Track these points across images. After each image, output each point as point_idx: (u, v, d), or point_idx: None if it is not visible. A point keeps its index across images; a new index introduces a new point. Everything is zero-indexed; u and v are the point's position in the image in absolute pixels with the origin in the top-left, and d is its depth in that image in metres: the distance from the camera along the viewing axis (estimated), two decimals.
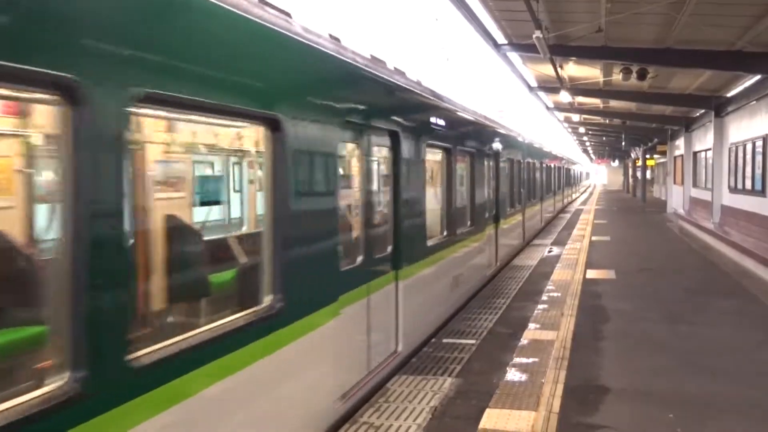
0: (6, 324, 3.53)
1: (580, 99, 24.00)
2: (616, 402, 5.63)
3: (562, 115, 33.35)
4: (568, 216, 28.97)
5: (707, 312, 9.17)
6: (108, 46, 2.82)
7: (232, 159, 5.95)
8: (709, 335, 7.91)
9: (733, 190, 18.31)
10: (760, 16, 11.00)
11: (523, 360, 6.74)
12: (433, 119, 8.11)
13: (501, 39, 15.11)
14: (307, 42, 4.70)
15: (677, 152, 29.72)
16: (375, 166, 6.27)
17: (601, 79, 18.91)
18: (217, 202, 6.08)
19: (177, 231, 4.43)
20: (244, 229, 6.00)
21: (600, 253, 15.25)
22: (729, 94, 18.95)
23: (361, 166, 5.84)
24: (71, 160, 2.62)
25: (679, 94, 20.19)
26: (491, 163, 12.17)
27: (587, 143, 57.05)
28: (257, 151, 4.52)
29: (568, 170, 37.55)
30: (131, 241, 2.97)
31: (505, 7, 12.58)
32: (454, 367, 6.53)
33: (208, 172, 6.05)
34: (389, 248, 6.43)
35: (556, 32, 13.36)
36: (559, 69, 16.57)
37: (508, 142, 14.09)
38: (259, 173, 4.58)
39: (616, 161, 67.74)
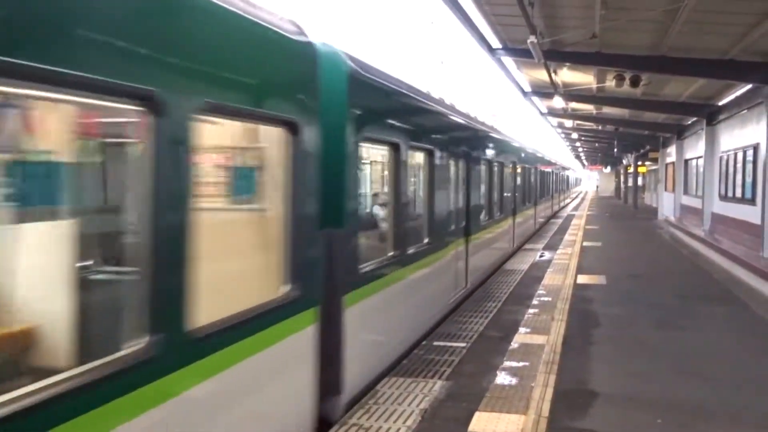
0: None
1: (574, 105, 24.10)
2: (605, 406, 5.64)
3: (555, 121, 33.49)
4: (559, 221, 29.07)
5: (697, 318, 9.21)
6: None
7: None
8: (699, 341, 7.94)
9: (724, 198, 18.44)
10: (753, 25, 11.09)
11: (514, 363, 6.74)
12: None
13: (496, 43, 15.17)
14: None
15: (669, 159, 29.90)
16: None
17: (595, 86, 19.00)
18: None
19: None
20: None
21: (591, 259, 15.29)
22: (721, 103, 19.09)
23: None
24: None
25: (671, 101, 20.32)
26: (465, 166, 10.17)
27: (580, 149, 57.30)
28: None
29: (559, 176, 37.45)
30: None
31: (501, 12, 12.62)
32: (445, 370, 6.53)
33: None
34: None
35: (550, 38, 13.42)
36: (553, 74, 16.64)
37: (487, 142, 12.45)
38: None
39: (609, 167, 68.07)
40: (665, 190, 30.60)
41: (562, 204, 41.41)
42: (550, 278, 12.29)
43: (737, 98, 17.26)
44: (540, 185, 24.11)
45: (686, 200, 25.10)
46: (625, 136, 34.01)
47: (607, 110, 25.33)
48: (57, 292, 3.31)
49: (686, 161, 25.46)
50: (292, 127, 4.32)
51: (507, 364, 6.72)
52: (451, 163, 9.21)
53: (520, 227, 17.01)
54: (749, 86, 15.49)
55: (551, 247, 17.94)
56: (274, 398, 4.21)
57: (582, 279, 12.26)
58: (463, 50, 42.79)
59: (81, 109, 3.34)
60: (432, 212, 8.08)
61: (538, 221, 22.93)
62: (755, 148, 15.17)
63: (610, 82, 16.63)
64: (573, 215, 33.32)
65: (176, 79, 3.13)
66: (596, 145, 47.22)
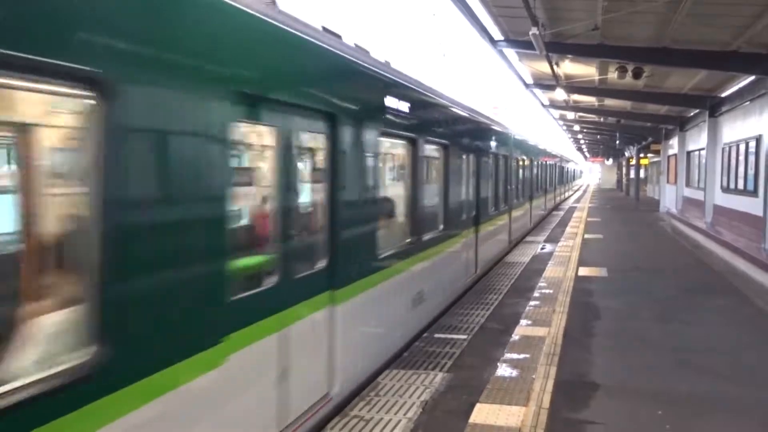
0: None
1: (576, 97, 24.02)
2: (605, 398, 5.66)
3: (557, 113, 33.39)
4: (561, 213, 29.05)
5: (698, 311, 9.22)
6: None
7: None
8: (700, 334, 7.95)
9: (726, 189, 18.40)
10: (756, 16, 11.03)
11: (514, 356, 6.76)
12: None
13: (498, 35, 15.11)
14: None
15: (671, 151, 29.81)
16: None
17: (597, 78, 18.94)
18: None
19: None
20: None
21: (592, 251, 15.29)
22: (723, 94, 19.01)
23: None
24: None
25: (673, 93, 20.25)
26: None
27: (582, 141, 57.18)
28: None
29: (561, 168, 37.41)
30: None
31: (503, 3, 12.57)
32: (446, 362, 6.55)
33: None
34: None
35: (552, 29, 13.37)
36: (555, 66, 16.58)
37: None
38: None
39: (611, 160, 67.92)
40: (667, 182, 30.53)
41: (564, 196, 41.32)
42: (551, 271, 12.30)
43: (740, 90, 17.19)
44: (548, 176, 27.25)
45: (688, 192, 25.05)
46: (627, 128, 33.90)
47: (609, 102, 25.24)
48: None
49: (688, 153, 25.39)
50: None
51: (508, 356, 6.74)
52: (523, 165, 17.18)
53: (536, 210, 22.38)
54: (752, 78, 15.42)
55: (552, 239, 17.94)
56: (469, 258, 10.57)
57: (583, 271, 12.27)
58: (465, 42, 42.62)
59: None
60: (510, 191, 15.02)
61: (548, 206, 28.22)
62: (758, 139, 15.12)
63: (612, 74, 16.58)
64: (575, 207, 33.29)
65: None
66: (598, 137, 47.10)
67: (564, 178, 40.37)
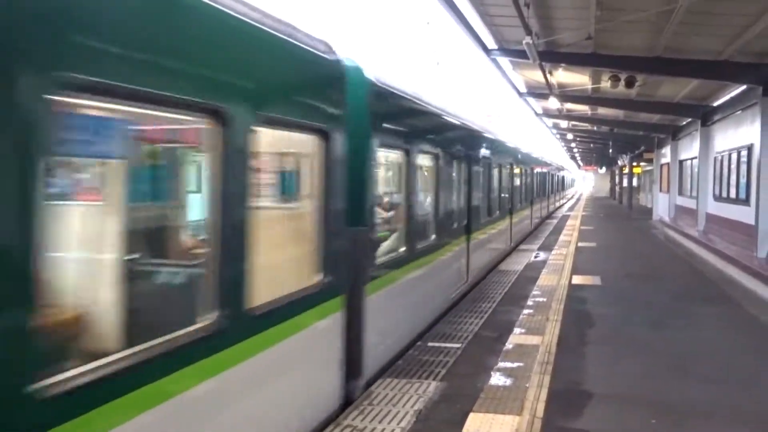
0: None
1: (569, 105, 24.15)
2: (599, 407, 5.64)
3: (550, 122, 33.54)
4: (554, 222, 29.12)
5: (691, 318, 9.23)
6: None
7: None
8: (693, 341, 7.96)
9: (718, 198, 18.50)
10: (747, 26, 11.12)
11: (508, 364, 6.74)
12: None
13: (491, 44, 15.18)
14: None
15: (663, 160, 29.98)
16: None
17: (590, 86, 19.04)
18: None
19: None
20: None
21: (586, 259, 15.31)
22: (715, 104, 19.15)
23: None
24: None
25: (666, 102, 20.39)
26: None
27: (575, 149, 57.42)
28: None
29: (543, 176, 33.96)
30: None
31: (496, 13, 12.63)
32: (439, 371, 6.52)
33: None
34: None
35: (546, 38, 13.44)
36: (548, 75, 16.67)
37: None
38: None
39: (604, 168, 68.22)
40: (660, 190, 30.68)
41: (549, 209, 40.39)
42: (544, 279, 12.30)
43: (731, 99, 17.31)
44: (546, 184, 29.11)
45: (681, 201, 25.18)
46: (620, 137, 34.09)
47: (602, 111, 25.37)
48: None
49: (681, 162, 25.54)
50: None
51: (501, 364, 6.72)
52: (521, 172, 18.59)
53: (536, 211, 24.74)
54: (743, 87, 15.54)
55: (546, 247, 17.95)
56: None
57: (577, 279, 12.27)
58: (458, 51, 42.75)
59: None
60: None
61: (549, 209, 31.19)
62: (749, 148, 15.22)
63: (605, 83, 16.69)
64: (568, 215, 33.37)
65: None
66: (591, 145, 47.33)
67: (552, 188, 37.56)
